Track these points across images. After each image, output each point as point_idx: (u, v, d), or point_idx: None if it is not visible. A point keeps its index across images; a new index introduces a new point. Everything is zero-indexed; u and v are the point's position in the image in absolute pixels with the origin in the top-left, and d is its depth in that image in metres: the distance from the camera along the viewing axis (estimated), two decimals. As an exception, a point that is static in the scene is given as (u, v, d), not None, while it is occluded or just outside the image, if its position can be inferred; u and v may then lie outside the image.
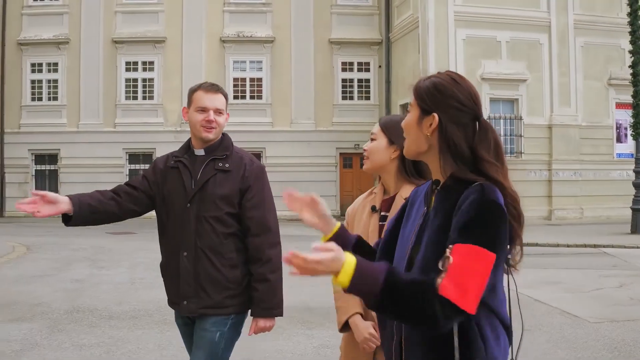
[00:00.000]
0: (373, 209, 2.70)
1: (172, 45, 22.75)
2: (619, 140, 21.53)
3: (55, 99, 22.97)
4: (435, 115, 1.75)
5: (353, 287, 1.58)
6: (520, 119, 20.32)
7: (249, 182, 3.03)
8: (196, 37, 22.75)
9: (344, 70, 23.49)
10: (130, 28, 22.72)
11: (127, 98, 22.90)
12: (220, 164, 3.04)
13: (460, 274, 1.58)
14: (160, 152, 21.50)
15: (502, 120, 20.17)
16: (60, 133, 22.56)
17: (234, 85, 22.87)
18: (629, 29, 16.90)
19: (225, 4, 23.05)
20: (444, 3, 19.68)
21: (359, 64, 23.31)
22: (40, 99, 23.01)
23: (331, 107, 23.42)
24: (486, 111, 19.96)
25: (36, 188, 22.94)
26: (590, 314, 7.19)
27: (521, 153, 20.24)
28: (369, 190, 2.82)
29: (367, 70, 23.43)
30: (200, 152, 3.08)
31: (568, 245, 14.35)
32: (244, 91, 23.07)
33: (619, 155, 21.42)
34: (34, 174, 23.16)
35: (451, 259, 1.60)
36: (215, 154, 3.06)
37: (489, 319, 1.69)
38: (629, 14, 16.79)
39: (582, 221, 19.92)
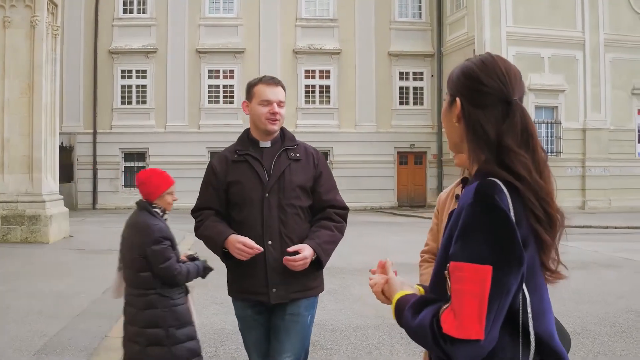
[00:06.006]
0: (457, 197, 2.48)
1: (250, 56, 24.98)
2: (640, 141, 24.91)
3: (144, 102, 25.04)
4: (458, 99, 1.54)
5: (397, 318, 1.54)
6: (559, 123, 23.41)
7: (320, 169, 3.12)
8: (272, 49, 25.00)
9: (401, 79, 26.08)
10: (212, 40, 24.96)
11: (209, 102, 25.03)
12: (292, 154, 3.08)
13: (458, 300, 1.37)
14: (243, 150, 24.16)
15: (544, 124, 23.33)
16: (149, 133, 24.63)
17: (305, 92, 25.36)
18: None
19: (297, 19, 25.42)
20: (498, 25, 22.76)
21: (414, 73, 25.96)
22: (130, 102, 25.07)
23: (390, 111, 25.96)
24: (531, 116, 23.10)
25: (125, 183, 25.22)
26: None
27: (560, 152, 23.35)
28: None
29: (421, 79, 26.09)
30: (265, 144, 3.10)
31: (616, 227, 17.46)
32: (313, 97, 25.45)
33: (640, 154, 24.76)
34: (123, 170, 25.23)
35: (449, 282, 1.41)
36: (285, 145, 3.10)
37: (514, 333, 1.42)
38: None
39: (610, 210, 22.94)
